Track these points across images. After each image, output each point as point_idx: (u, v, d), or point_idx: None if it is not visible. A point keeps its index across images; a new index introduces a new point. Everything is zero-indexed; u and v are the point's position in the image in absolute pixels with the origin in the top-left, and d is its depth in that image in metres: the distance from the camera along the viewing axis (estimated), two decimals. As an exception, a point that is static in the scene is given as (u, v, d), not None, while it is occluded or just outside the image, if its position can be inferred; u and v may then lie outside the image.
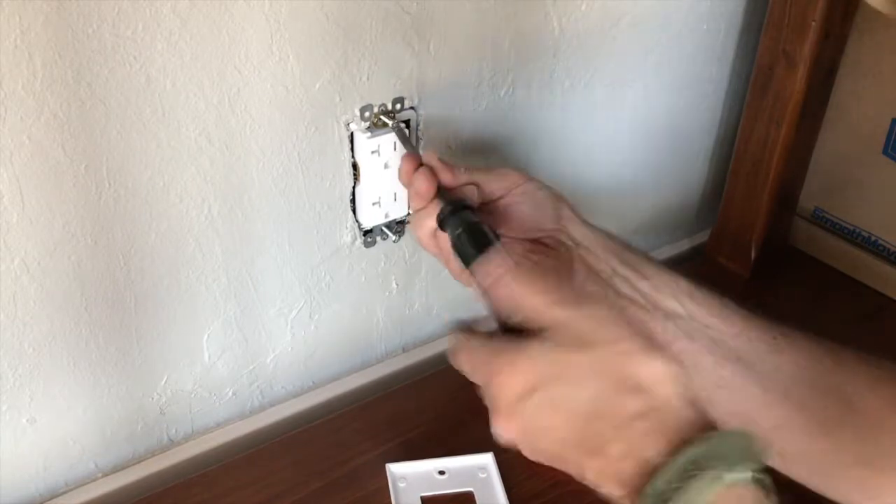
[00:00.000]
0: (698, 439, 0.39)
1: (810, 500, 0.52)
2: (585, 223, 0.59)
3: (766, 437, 0.50)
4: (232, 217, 0.65)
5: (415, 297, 0.81)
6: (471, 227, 0.54)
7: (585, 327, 0.43)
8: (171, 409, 0.71)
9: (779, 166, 0.88)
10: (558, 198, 0.60)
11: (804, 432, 0.51)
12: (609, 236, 0.59)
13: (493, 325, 0.50)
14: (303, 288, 0.72)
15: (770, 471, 0.40)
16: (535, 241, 0.59)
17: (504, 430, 0.45)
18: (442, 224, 0.56)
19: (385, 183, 0.69)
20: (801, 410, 0.51)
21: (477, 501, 0.66)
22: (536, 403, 0.43)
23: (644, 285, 0.56)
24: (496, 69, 0.73)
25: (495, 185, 0.60)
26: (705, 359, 0.53)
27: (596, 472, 0.42)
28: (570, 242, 0.58)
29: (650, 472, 0.39)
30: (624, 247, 0.58)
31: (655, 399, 0.41)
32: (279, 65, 0.61)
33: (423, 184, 0.57)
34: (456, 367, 0.49)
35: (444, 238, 0.57)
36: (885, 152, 0.88)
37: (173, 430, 0.72)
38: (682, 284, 0.56)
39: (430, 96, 0.70)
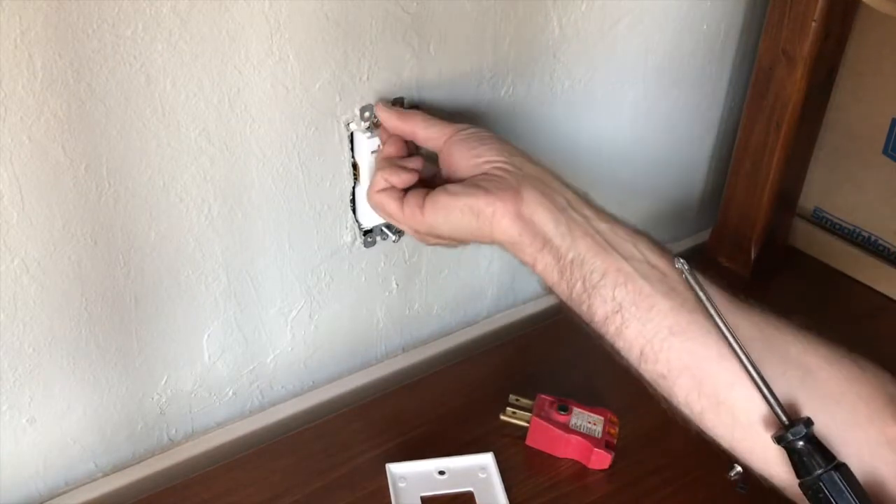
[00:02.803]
0: None
1: None
2: (531, 158, 0.61)
3: (721, 395, 0.51)
4: (232, 217, 0.65)
5: (415, 297, 0.81)
6: None
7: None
8: (171, 409, 0.71)
9: (779, 166, 0.88)
10: (489, 136, 0.62)
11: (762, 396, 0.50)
12: (559, 176, 0.60)
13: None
14: (303, 288, 0.72)
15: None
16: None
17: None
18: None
19: (385, 183, 0.70)
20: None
21: (477, 501, 0.66)
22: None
23: (602, 226, 0.56)
24: (496, 69, 0.73)
25: (434, 133, 0.63)
26: (662, 302, 0.52)
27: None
28: (517, 170, 0.59)
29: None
30: (581, 190, 0.59)
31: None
32: (279, 65, 0.61)
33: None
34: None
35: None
36: (885, 152, 0.88)
37: (173, 430, 0.72)
38: (643, 236, 0.56)
39: (430, 96, 0.70)
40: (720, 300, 0.52)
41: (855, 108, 0.89)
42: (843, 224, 0.95)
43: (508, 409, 0.73)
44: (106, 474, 0.69)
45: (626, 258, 0.54)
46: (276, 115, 0.63)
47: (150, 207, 0.61)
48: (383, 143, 0.66)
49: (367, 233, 0.72)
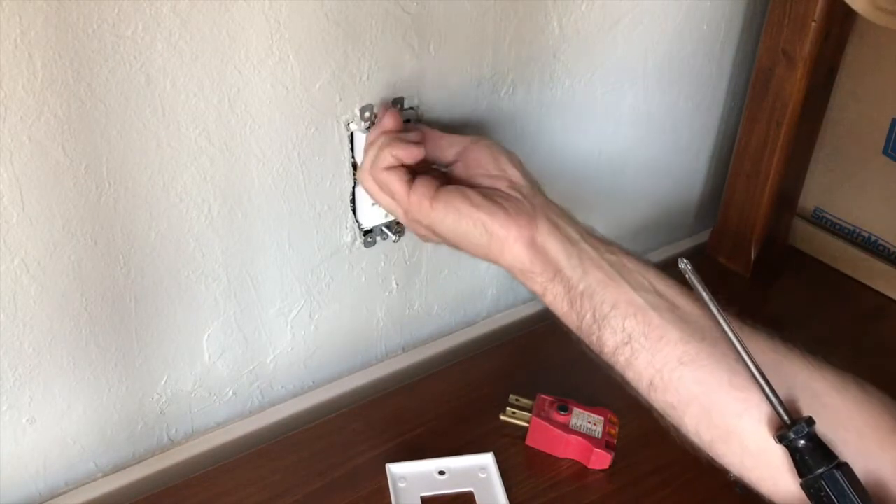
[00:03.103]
0: None
1: None
2: (544, 192, 0.60)
3: (731, 425, 0.51)
4: (232, 217, 0.65)
5: (415, 297, 0.81)
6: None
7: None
8: (171, 409, 0.71)
9: (779, 166, 0.88)
10: (517, 157, 0.62)
11: (772, 424, 0.50)
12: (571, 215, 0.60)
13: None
14: (303, 288, 0.72)
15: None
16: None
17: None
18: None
19: (385, 183, 0.69)
20: (767, 400, 0.50)
21: (477, 501, 0.66)
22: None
23: (612, 258, 0.56)
24: (496, 69, 0.73)
25: (448, 150, 0.62)
26: (671, 332, 0.53)
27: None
28: (534, 197, 0.58)
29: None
30: (588, 225, 0.59)
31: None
32: (279, 65, 0.61)
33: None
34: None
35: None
36: (885, 152, 0.88)
37: (173, 430, 0.72)
38: (652, 268, 0.56)
39: (430, 96, 0.70)
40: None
41: (855, 108, 0.89)
42: (843, 224, 0.95)
43: (508, 409, 0.73)
44: (106, 474, 0.69)
45: (635, 289, 0.54)
46: (276, 115, 0.63)
47: (150, 207, 0.61)
48: (379, 120, 0.63)
49: (367, 233, 0.72)
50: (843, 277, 0.94)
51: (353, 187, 0.70)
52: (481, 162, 0.60)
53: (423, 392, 0.77)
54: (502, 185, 0.58)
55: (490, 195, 0.57)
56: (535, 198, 0.58)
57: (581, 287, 0.55)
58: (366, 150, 0.62)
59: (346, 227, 0.72)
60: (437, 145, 0.62)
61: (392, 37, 0.65)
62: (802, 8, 0.81)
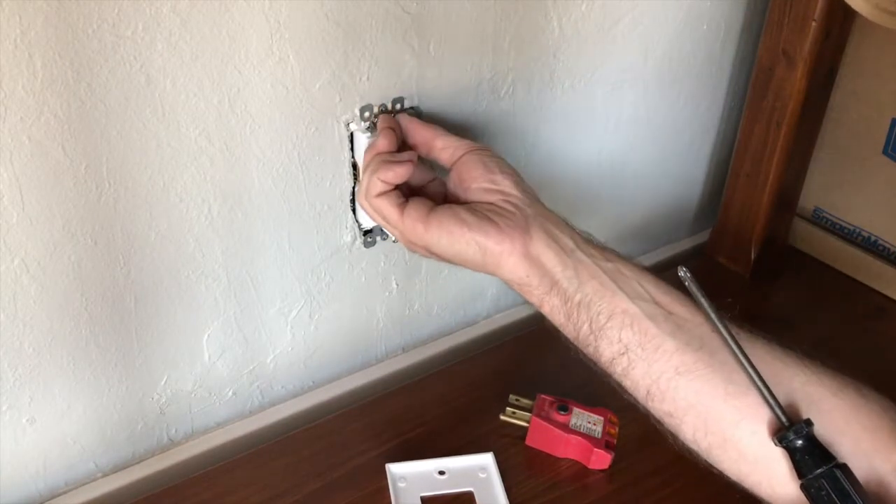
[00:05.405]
0: None
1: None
2: (539, 201, 0.60)
3: (727, 433, 0.52)
4: (232, 217, 0.65)
5: (415, 297, 0.81)
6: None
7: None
8: (171, 409, 0.71)
9: (779, 166, 0.88)
10: (509, 167, 0.61)
11: (768, 430, 0.51)
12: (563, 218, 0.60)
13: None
14: (303, 288, 0.72)
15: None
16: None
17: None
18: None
19: (385, 183, 0.70)
20: (765, 403, 0.51)
21: (477, 501, 0.66)
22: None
23: (608, 266, 0.56)
24: (496, 69, 0.73)
25: (443, 153, 0.63)
26: (668, 342, 0.53)
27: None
28: (527, 208, 0.58)
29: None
30: (585, 231, 0.59)
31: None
32: (279, 65, 0.61)
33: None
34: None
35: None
36: (885, 152, 0.88)
37: (173, 430, 0.72)
38: (648, 274, 0.56)
39: (430, 96, 0.70)
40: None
41: (855, 108, 0.89)
42: (843, 224, 0.95)
43: (508, 409, 0.73)
44: (106, 474, 0.69)
45: (631, 298, 0.54)
46: (276, 115, 0.63)
47: (150, 207, 0.61)
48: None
49: (367, 233, 0.72)
50: (843, 277, 0.94)
51: (353, 187, 0.70)
52: (475, 174, 0.60)
53: (423, 392, 0.77)
54: (496, 198, 0.59)
55: (482, 211, 0.57)
56: (530, 208, 0.58)
57: (577, 298, 0.55)
58: (362, 171, 0.63)
59: (346, 227, 0.72)
60: (431, 147, 0.63)
61: (392, 37, 0.65)
62: (802, 8, 0.81)
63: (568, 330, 0.57)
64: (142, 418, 0.69)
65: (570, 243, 0.57)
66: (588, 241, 0.58)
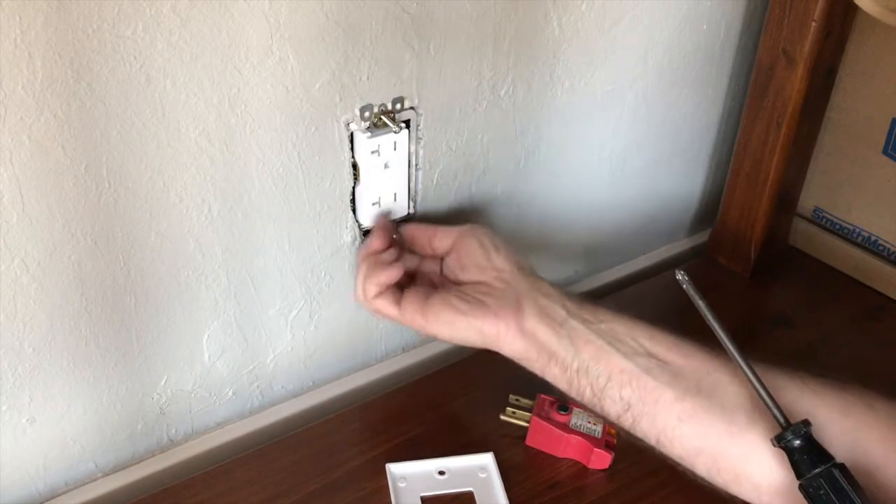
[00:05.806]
0: None
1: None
2: (532, 272, 0.64)
3: (738, 469, 0.53)
4: (232, 217, 0.65)
5: (415, 297, 0.81)
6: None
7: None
8: (171, 409, 0.71)
9: (779, 166, 0.88)
10: (501, 242, 0.65)
11: (777, 460, 0.51)
12: (555, 285, 0.62)
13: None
14: (303, 288, 0.72)
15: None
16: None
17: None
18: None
19: (385, 183, 0.70)
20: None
21: (477, 501, 0.66)
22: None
23: (601, 327, 0.58)
24: (496, 69, 0.73)
25: (442, 243, 0.67)
26: (667, 393, 0.55)
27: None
28: (519, 282, 0.62)
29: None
30: (575, 295, 0.62)
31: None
32: (279, 65, 0.61)
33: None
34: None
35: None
36: (885, 152, 0.88)
37: (173, 430, 0.72)
38: (639, 327, 0.58)
39: (430, 96, 0.70)
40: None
41: (855, 108, 0.89)
42: (843, 224, 0.95)
43: (508, 409, 0.73)
44: (106, 474, 0.69)
45: (627, 356, 0.56)
46: (275, 115, 0.63)
47: (150, 207, 0.61)
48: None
49: (366, 233, 0.72)
50: (843, 277, 0.94)
51: (353, 187, 0.70)
52: (471, 252, 0.65)
53: (423, 392, 0.77)
54: (489, 277, 0.63)
55: (473, 295, 0.61)
56: (521, 283, 0.62)
57: (575, 365, 0.58)
58: (358, 269, 0.67)
59: (346, 227, 0.72)
60: (429, 243, 0.68)
61: (392, 37, 0.65)
62: (802, 8, 0.81)
63: (572, 395, 0.59)
64: (142, 418, 0.69)
65: (562, 313, 0.59)
66: (580, 305, 0.60)
